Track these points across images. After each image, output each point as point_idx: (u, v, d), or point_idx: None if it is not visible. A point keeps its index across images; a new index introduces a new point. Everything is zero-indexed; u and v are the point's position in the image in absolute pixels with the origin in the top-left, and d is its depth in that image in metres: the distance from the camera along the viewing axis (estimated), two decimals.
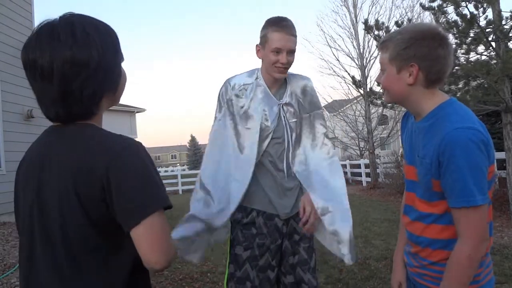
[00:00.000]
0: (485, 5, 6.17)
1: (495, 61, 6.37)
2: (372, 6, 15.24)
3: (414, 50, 1.30)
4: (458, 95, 6.54)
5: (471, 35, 6.30)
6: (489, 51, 6.49)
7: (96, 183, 0.97)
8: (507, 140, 6.53)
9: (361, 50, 14.91)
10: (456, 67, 6.50)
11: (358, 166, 16.41)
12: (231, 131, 2.11)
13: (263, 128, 2.06)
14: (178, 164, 75.86)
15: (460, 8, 6.22)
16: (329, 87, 42.99)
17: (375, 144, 15.21)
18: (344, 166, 18.12)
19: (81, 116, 1.05)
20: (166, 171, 27.13)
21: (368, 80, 14.54)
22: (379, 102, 10.28)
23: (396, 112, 14.97)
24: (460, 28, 6.20)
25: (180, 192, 17.03)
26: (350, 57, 15.46)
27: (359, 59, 14.95)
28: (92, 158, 0.98)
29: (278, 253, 2.11)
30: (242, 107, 2.09)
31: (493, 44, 6.36)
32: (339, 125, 19.76)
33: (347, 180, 17.24)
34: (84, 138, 1.03)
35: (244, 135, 2.08)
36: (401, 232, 1.62)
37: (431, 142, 1.30)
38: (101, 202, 0.98)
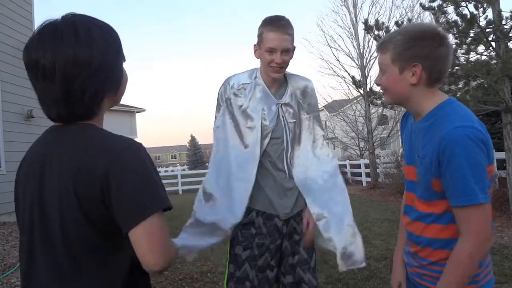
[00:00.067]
0: (485, 5, 6.17)
1: (495, 61, 6.37)
2: (372, 6, 15.25)
3: (416, 50, 1.31)
4: (458, 95, 6.54)
5: (471, 35, 6.30)
6: (489, 51, 6.49)
7: (96, 184, 0.97)
8: (507, 140, 6.53)
9: (361, 50, 14.92)
10: (456, 67, 6.50)
11: (358, 166, 16.41)
12: (232, 129, 2.11)
13: (262, 127, 2.06)
14: (178, 164, 75.86)
15: (460, 8, 6.22)
16: (329, 87, 43.02)
17: (375, 144, 15.21)
18: (344, 166, 18.12)
19: (82, 116, 1.05)
20: (166, 171, 27.12)
21: (368, 80, 14.55)
22: (379, 102, 10.28)
23: (396, 112, 14.98)
24: (460, 28, 6.20)
25: (180, 192, 17.02)
26: (350, 57, 15.47)
27: (359, 59, 14.95)
28: (92, 159, 0.98)
29: (277, 253, 2.11)
30: (240, 106, 2.09)
31: (493, 44, 6.36)
32: (339, 125, 19.78)
33: (347, 180, 17.27)
34: (85, 138, 1.03)
35: (246, 134, 2.08)
36: (401, 232, 1.62)
37: (431, 141, 1.30)
38: (101, 202, 0.97)
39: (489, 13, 6.30)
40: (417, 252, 1.43)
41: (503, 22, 6.21)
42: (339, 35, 24.92)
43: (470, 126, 1.24)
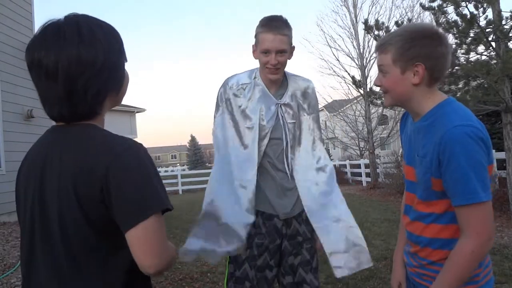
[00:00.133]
0: (485, 5, 6.17)
1: (495, 61, 6.37)
2: (372, 6, 15.26)
3: (418, 50, 1.31)
4: (458, 95, 6.54)
5: (471, 35, 6.30)
6: (489, 51, 6.49)
7: (96, 184, 0.97)
8: (507, 140, 6.53)
9: (361, 50, 14.92)
10: (456, 67, 6.50)
11: (358, 166, 16.41)
12: (231, 130, 2.11)
13: (260, 127, 2.06)
14: (178, 164, 75.87)
15: (460, 8, 6.22)
16: (329, 87, 43.11)
17: (375, 144, 15.21)
18: (344, 166, 18.13)
19: (84, 116, 1.05)
20: (166, 171, 27.11)
21: (368, 80, 14.55)
22: (379, 102, 10.28)
23: (396, 112, 14.99)
24: (460, 28, 6.20)
25: (180, 192, 17.03)
26: (350, 57, 15.48)
27: (359, 59, 14.96)
28: (93, 159, 0.98)
29: (277, 253, 2.11)
30: (240, 106, 2.09)
31: (493, 44, 6.36)
32: (339, 125, 19.78)
33: (347, 180, 17.29)
34: (86, 138, 1.03)
35: (245, 134, 2.08)
36: (401, 232, 1.62)
37: (431, 141, 1.30)
38: (100, 203, 0.97)
39: (489, 13, 6.31)
40: (417, 252, 1.43)
41: (503, 22, 6.21)
42: (339, 35, 24.99)
43: (469, 125, 1.24)
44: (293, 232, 2.12)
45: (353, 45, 15.27)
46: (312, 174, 2.13)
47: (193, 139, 59.14)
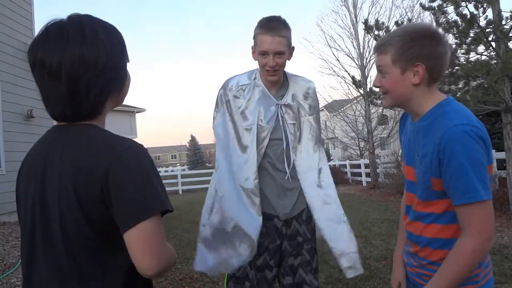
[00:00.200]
0: (485, 5, 6.17)
1: (495, 61, 6.37)
2: (372, 6, 15.25)
3: (417, 50, 1.31)
4: (458, 95, 6.54)
5: (471, 35, 6.30)
6: (489, 51, 6.49)
7: (96, 184, 0.97)
8: (507, 140, 6.53)
9: (361, 50, 14.92)
10: (456, 67, 6.50)
11: (358, 166, 16.41)
12: (231, 130, 2.11)
13: (259, 128, 2.06)
14: (178, 164, 75.82)
15: (460, 8, 6.22)
16: (329, 87, 43.05)
17: (375, 144, 15.21)
18: (344, 166, 18.14)
19: (86, 116, 1.05)
20: (166, 171, 27.11)
21: (368, 80, 14.54)
22: (379, 102, 10.29)
23: (396, 112, 14.99)
24: (460, 28, 6.20)
25: (180, 192, 17.02)
26: (350, 57, 15.47)
27: (359, 59, 14.95)
28: (93, 159, 0.98)
29: (277, 254, 2.11)
30: (239, 107, 2.09)
31: (493, 44, 6.36)
32: (339, 125, 19.78)
33: (347, 180, 17.29)
34: (87, 138, 1.03)
35: (244, 136, 2.08)
36: (401, 232, 1.62)
37: (431, 140, 1.30)
38: (100, 203, 0.97)
39: (489, 13, 6.31)
40: (417, 252, 1.43)
41: (503, 22, 6.21)
42: (339, 35, 24.96)
43: (469, 124, 1.24)
44: (293, 232, 2.11)
45: (353, 45, 15.28)
46: (313, 174, 2.13)
47: (193, 139, 59.11)
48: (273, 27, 1.96)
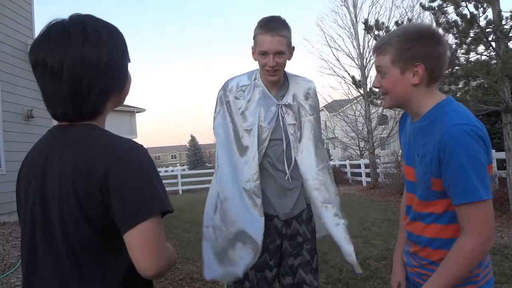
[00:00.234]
0: (485, 5, 6.17)
1: (495, 61, 6.37)
2: (372, 6, 15.25)
3: (417, 50, 1.31)
4: (458, 95, 6.54)
5: (471, 35, 6.30)
6: (489, 51, 6.49)
7: (96, 184, 0.97)
8: (507, 140, 6.53)
9: (361, 50, 14.92)
10: (456, 67, 6.50)
11: (358, 166, 16.42)
12: (231, 131, 2.11)
13: (260, 129, 2.06)
14: (178, 164, 75.80)
15: (460, 8, 6.22)
16: (329, 87, 43.04)
17: (375, 144, 15.21)
18: (344, 166, 18.14)
19: (87, 115, 1.05)
20: (166, 171, 27.11)
21: (368, 80, 14.54)
22: (379, 102, 10.29)
23: (396, 112, 14.99)
24: (460, 28, 6.20)
25: (180, 192, 17.03)
26: (350, 57, 15.48)
27: (359, 59, 14.95)
28: (93, 159, 0.98)
29: (277, 254, 2.11)
30: (239, 108, 2.09)
31: (493, 44, 6.36)
32: (339, 125, 19.78)
33: (347, 180, 17.29)
34: (87, 138, 1.03)
35: (244, 136, 2.08)
36: (401, 232, 1.62)
37: (431, 140, 1.30)
38: (100, 203, 0.97)
39: (489, 13, 6.31)
40: (417, 252, 1.43)
41: (503, 22, 6.21)
42: (339, 35, 24.90)
43: (469, 123, 1.24)
44: (293, 232, 2.11)
45: (353, 45, 15.28)
46: (314, 174, 2.13)
47: (193, 139, 59.13)
48: (273, 27, 1.96)
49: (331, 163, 19.61)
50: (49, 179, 1.02)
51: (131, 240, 0.95)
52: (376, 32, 7.86)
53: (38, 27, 9.02)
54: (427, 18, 12.24)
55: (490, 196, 1.24)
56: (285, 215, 2.10)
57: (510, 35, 6.25)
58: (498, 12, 6.17)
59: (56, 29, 1.02)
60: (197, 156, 56.87)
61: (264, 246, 2.06)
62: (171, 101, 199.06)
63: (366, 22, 8.47)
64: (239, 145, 2.08)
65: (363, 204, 9.95)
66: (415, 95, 1.36)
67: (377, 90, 1.47)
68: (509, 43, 6.60)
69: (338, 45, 18.86)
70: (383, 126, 17.96)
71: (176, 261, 1.05)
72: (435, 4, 6.63)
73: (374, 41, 11.20)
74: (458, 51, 6.49)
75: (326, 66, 22.71)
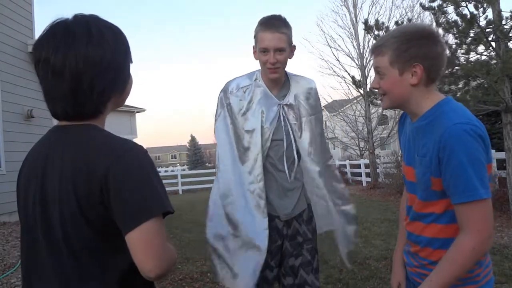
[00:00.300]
0: (485, 5, 6.17)
1: (495, 61, 6.37)
2: (372, 6, 15.24)
3: (415, 51, 1.31)
4: (458, 95, 6.54)
5: (471, 35, 6.30)
6: (489, 51, 6.49)
7: (96, 184, 0.97)
8: (507, 140, 6.53)
9: (361, 50, 14.91)
10: (456, 67, 6.50)
11: (358, 166, 16.41)
12: (231, 133, 2.11)
13: (263, 130, 2.05)
14: (178, 164, 75.80)
15: (460, 8, 6.22)
16: (329, 87, 42.90)
17: (375, 144, 15.21)
18: (344, 166, 18.13)
19: (88, 115, 1.05)
20: (166, 171, 27.12)
21: (368, 80, 14.53)
22: (379, 102, 10.28)
23: (396, 112, 14.98)
24: (460, 28, 6.20)
25: (180, 192, 17.02)
26: (350, 57, 15.47)
27: (359, 59, 14.95)
28: (93, 159, 0.98)
29: (278, 254, 2.11)
30: (240, 109, 2.09)
31: (493, 44, 6.36)
32: (339, 125, 19.78)
33: (347, 180, 17.27)
34: (88, 138, 1.03)
35: (245, 138, 2.07)
36: (401, 232, 1.62)
37: (431, 139, 1.30)
38: (100, 204, 0.97)
39: (489, 13, 6.31)
40: (417, 252, 1.43)
41: (503, 22, 6.21)
42: (339, 35, 24.91)
43: (468, 123, 1.25)
44: (293, 232, 2.11)
45: (353, 45, 15.28)
46: (316, 174, 2.14)
47: (193, 139, 59.14)
48: (273, 24, 1.97)
49: None
50: (49, 179, 1.02)
51: (133, 241, 0.95)
52: (376, 32, 7.86)
53: (38, 27, 9.05)
54: (427, 18, 12.26)
55: (489, 195, 1.24)
56: (286, 216, 2.10)
57: (510, 35, 6.25)
58: (498, 12, 6.17)
59: (60, 28, 1.03)
60: (197, 156, 56.89)
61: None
62: (171, 101, 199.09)
63: (366, 22, 8.47)
64: (240, 147, 2.08)
65: (363, 204, 9.95)
66: (414, 95, 1.36)
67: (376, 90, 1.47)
68: (509, 43, 6.60)
69: (338, 45, 18.84)
70: (383, 126, 17.96)
71: (176, 262, 1.05)
72: (435, 4, 6.63)
73: (374, 41, 11.21)
74: (458, 51, 6.49)
75: (326, 66, 22.68)
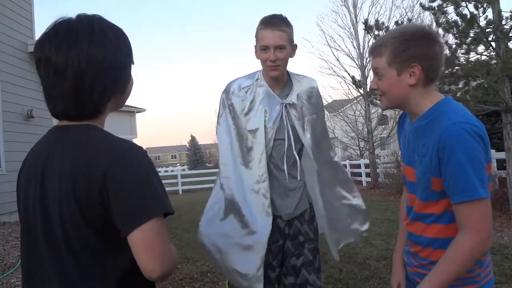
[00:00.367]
0: (485, 5, 6.17)
1: (495, 61, 6.37)
2: (372, 6, 15.24)
3: (413, 51, 1.31)
4: (458, 95, 6.54)
5: (471, 35, 6.30)
6: (489, 51, 6.49)
7: (95, 185, 0.96)
8: (507, 140, 6.53)
9: (361, 50, 14.91)
10: (456, 67, 6.50)
11: (358, 166, 16.41)
12: (234, 134, 2.11)
13: (266, 130, 2.05)
14: (178, 164, 75.78)
15: (460, 8, 6.22)
16: (329, 87, 42.91)
17: (375, 144, 15.21)
18: (344, 166, 18.10)
19: (88, 114, 1.05)
20: (166, 171, 27.11)
21: (368, 80, 14.52)
22: (379, 102, 10.27)
23: (396, 112, 14.97)
24: (460, 28, 6.20)
25: (180, 192, 17.02)
26: (350, 57, 15.47)
27: (359, 59, 14.95)
28: (93, 159, 0.98)
29: (280, 254, 2.11)
30: (243, 110, 2.09)
31: (493, 44, 6.36)
32: (339, 125, 19.77)
33: None
34: (87, 138, 1.03)
35: (248, 138, 2.07)
36: (401, 232, 1.62)
37: (430, 139, 1.30)
38: (99, 204, 0.97)
39: (489, 13, 6.31)
40: (418, 252, 1.43)
41: (503, 22, 6.21)
42: (339, 35, 24.85)
43: (468, 122, 1.25)
44: (294, 231, 2.11)
45: (353, 45, 15.27)
46: (316, 173, 2.14)
47: (193, 139, 59.11)
48: (274, 22, 1.99)
49: None
50: (49, 179, 1.02)
51: (135, 242, 0.95)
52: (376, 32, 7.86)
53: (38, 27, 9.05)
54: (427, 18, 12.27)
55: (488, 195, 1.24)
56: (288, 215, 2.10)
57: (510, 35, 6.25)
58: (498, 12, 6.17)
59: (63, 27, 1.03)
60: (197, 156, 56.87)
61: (267, 246, 2.06)
62: (171, 101, 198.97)
63: (366, 22, 8.48)
64: (244, 147, 2.08)
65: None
66: (413, 95, 1.36)
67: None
68: (509, 43, 6.60)
69: (338, 45, 18.83)
70: (383, 126, 17.95)
71: (176, 263, 1.05)
72: (435, 4, 6.63)
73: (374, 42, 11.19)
74: (458, 51, 6.48)
75: (326, 66, 22.72)
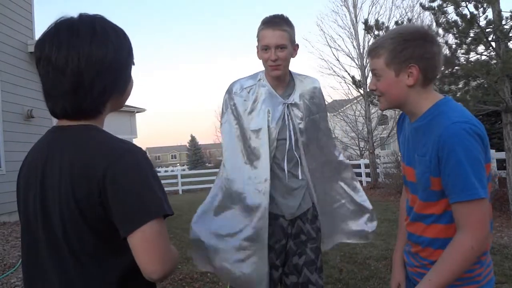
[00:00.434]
0: (485, 5, 6.17)
1: (495, 61, 6.37)
2: (372, 6, 15.23)
3: (411, 51, 1.31)
4: (458, 95, 6.53)
5: (471, 35, 6.30)
6: (489, 51, 6.49)
7: (94, 185, 0.96)
8: (507, 140, 6.53)
9: (361, 50, 14.90)
10: (456, 67, 6.50)
11: (358, 166, 16.39)
12: (238, 134, 2.11)
13: (269, 130, 2.06)
14: (178, 164, 75.73)
15: (460, 8, 6.21)
16: (329, 87, 42.73)
17: (375, 144, 15.21)
18: None
19: (87, 114, 1.05)
20: (166, 171, 27.10)
21: (368, 80, 14.52)
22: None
23: (396, 112, 14.96)
24: (460, 28, 6.20)
25: (180, 192, 17.02)
26: (350, 57, 15.46)
27: (359, 59, 14.94)
28: (92, 160, 0.98)
29: (282, 253, 2.11)
30: (245, 110, 2.09)
31: (493, 44, 6.36)
32: (339, 125, 19.74)
33: None
34: (87, 139, 1.03)
35: (251, 138, 2.07)
36: (401, 232, 1.62)
37: (430, 139, 1.30)
38: (98, 205, 0.97)
39: (489, 13, 6.31)
40: (418, 252, 1.43)
41: (503, 22, 6.21)
42: (339, 35, 24.80)
43: (467, 122, 1.25)
44: (297, 230, 2.12)
45: (353, 45, 15.26)
46: (320, 173, 2.15)
47: (193, 139, 59.09)
48: (275, 22, 1.99)
49: None
50: (49, 179, 1.02)
51: (135, 243, 0.95)
52: (376, 32, 7.86)
53: (38, 27, 9.05)
54: (427, 18, 12.27)
55: (487, 195, 1.24)
56: (290, 215, 2.10)
57: (510, 35, 6.25)
58: (498, 12, 6.17)
59: (64, 26, 1.03)
60: (197, 156, 56.84)
61: (269, 246, 2.06)
62: (171, 101, 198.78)
63: (366, 22, 8.47)
64: (247, 147, 2.08)
65: None
66: (411, 96, 1.36)
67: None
68: (509, 43, 6.60)
69: (338, 45, 18.79)
70: (383, 126, 17.95)
71: (176, 264, 1.04)
72: (435, 4, 6.62)
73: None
74: (458, 51, 6.48)
75: (326, 66, 22.66)
